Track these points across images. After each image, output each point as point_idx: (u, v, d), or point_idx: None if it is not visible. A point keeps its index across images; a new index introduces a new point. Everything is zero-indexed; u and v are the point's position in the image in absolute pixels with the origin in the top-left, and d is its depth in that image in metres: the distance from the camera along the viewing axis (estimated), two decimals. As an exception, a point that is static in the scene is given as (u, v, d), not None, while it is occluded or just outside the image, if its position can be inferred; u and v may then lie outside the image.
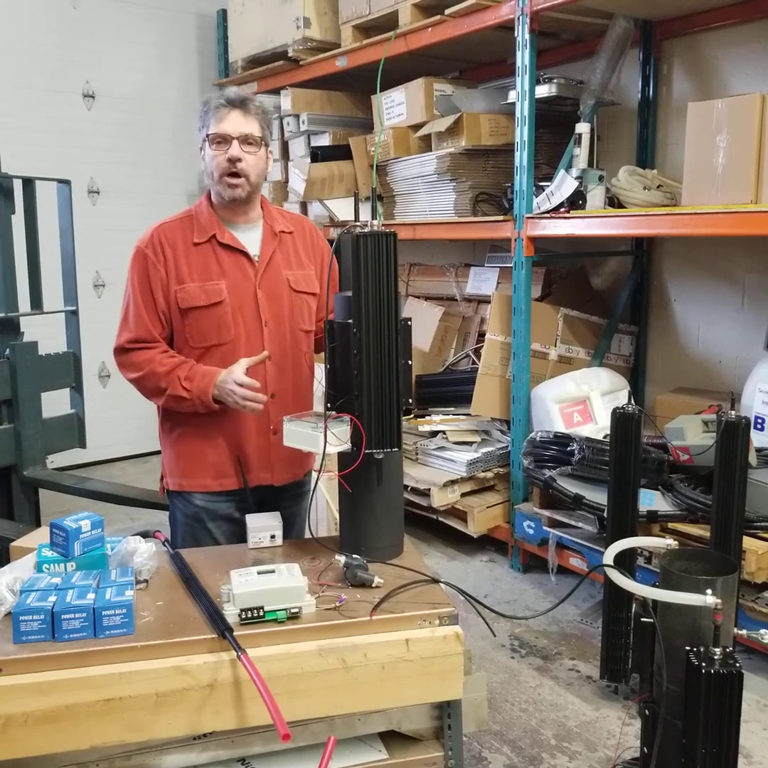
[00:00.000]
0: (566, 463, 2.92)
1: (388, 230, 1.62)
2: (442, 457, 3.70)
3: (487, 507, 3.65)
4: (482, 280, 4.19)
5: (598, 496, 2.82)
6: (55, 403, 3.53)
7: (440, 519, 3.77)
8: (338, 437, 1.65)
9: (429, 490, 3.59)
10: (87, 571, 1.62)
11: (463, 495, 3.67)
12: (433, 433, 3.82)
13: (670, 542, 1.82)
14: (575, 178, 3.30)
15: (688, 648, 1.61)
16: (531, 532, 3.40)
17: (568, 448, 2.88)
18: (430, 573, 1.73)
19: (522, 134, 3.35)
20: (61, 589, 1.53)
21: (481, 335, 4.14)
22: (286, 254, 2.06)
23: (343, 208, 4.20)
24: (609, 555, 1.73)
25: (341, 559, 1.65)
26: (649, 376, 3.97)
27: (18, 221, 3.30)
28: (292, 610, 1.53)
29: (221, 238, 1.99)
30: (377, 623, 1.53)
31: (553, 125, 3.78)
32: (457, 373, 4.04)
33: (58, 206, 3.39)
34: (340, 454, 1.70)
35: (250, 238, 2.04)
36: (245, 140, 1.93)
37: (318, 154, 4.30)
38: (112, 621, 1.48)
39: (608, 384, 3.45)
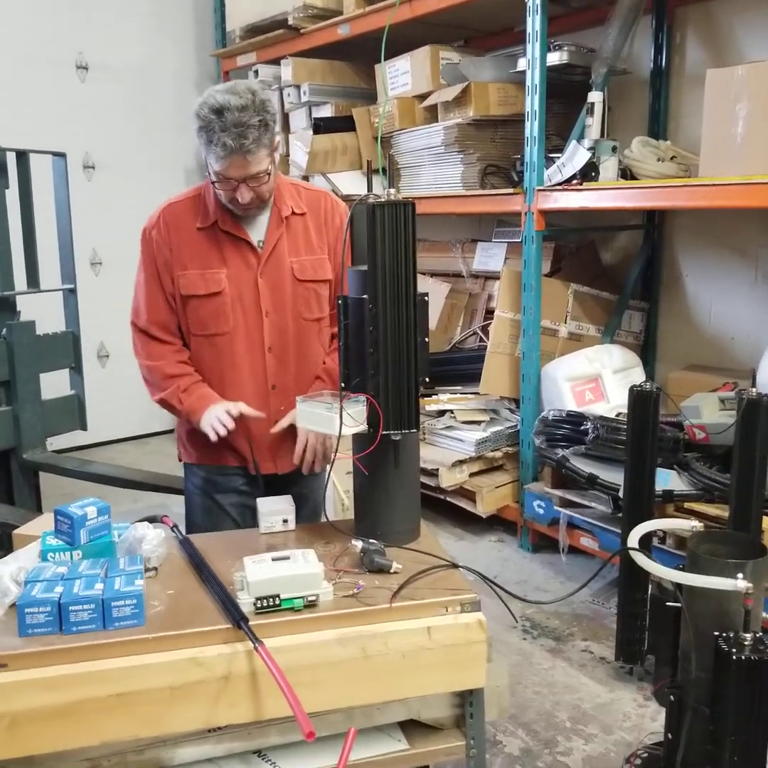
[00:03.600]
0: (579, 443, 2.86)
1: (405, 199, 1.54)
2: (450, 437, 3.64)
3: (496, 487, 3.60)
4: (489, 256, 4.10)
5: (613, 476, 2.77)
6: (53, 384, 3.45)
7: (448, 499, 3.72)
8: (354, 418, 1.58)
9: (437, 470, 3.53)
10: (94, 559, 1.55)
11: (471, 475, 3.61)
12: (441, 413, 3.76)
13: (696, 524, 1.76)
14: (588, 150, 3.21)
15: (716, 633, 1.56)
16: (541, 511, 3.35)
17: (582, 427, 2.82)
18: (448, 557, 1.67)
19: (533, 103, 3.25)
20: (68, 579, 1.46)
21: (489, 312, 4.07)
22: (294, 239, 1.95)
23: (346, 182, 4.10)
24: (633, 538, 1.67)
25: (358, 544, 1.59)
26: (660, 354, 3.89)
27: (13, 196, 3.20)
28: (310, 598, 1.47)
29: (223, 224, 1.91)
30: (397, 610, 1.47)
31: (562, 95, 3.66)
32: (464, 352, 3.98)
33: (53, 180, 3.29)
34: (355, 436, 1.63)
35: (257, 223, 1.94)
36: (253, 178, 1.81)
37: (320, 126, 4.19)
38: (122, 612, 1.41)
39: (620, 361, 3.38)
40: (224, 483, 2.04)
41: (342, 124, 4.21)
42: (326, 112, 4.27)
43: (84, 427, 3.57)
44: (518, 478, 3.59)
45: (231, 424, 1.86)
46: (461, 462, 3.56)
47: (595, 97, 3.30)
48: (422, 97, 3.87)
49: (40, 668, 1.33)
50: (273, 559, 1.51)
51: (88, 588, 1.42)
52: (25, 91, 4.63)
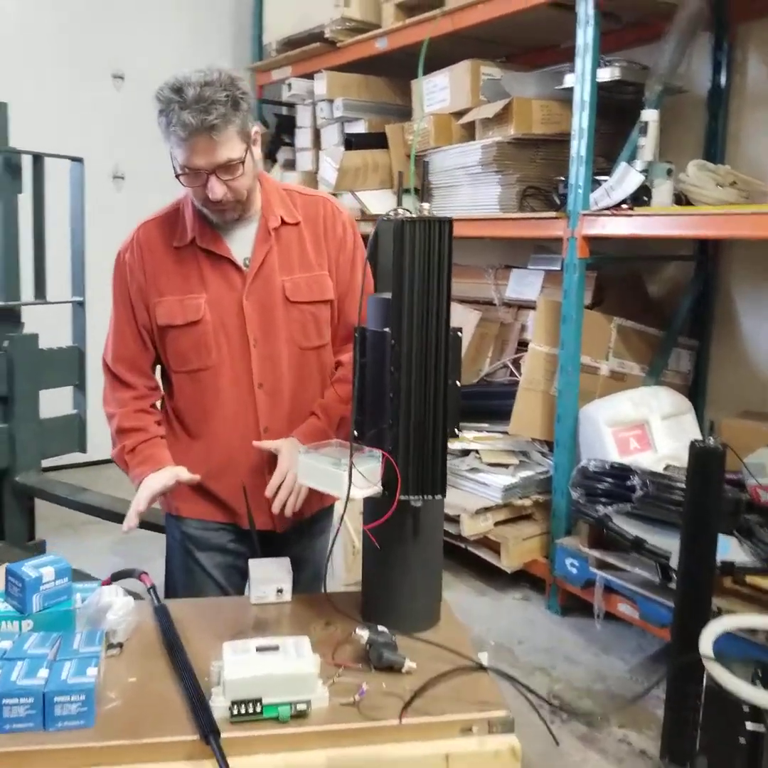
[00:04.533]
0: (623, 499, 2.54)
1: (441, 216, 1.26)
2: (474, 480, 3.32)
3: (524, 539, 3.27)
4: (525, 284, 3.81)
5: (662, 540, 2.44)
6: (54, 402, 3.22)
7: (470, 549, 3.39)
8: (366, 478, 1.29)
9: (459, 516, 3.22)
10: (46, 633, 1.28)
11: (496, 524, 3.29)
12: (465, 452, 3.45)
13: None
14: (640, 172, 2.93)
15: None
16: (574, 571, 3.01)
17: (628, 483, 2.50)
18: (474, 654, 1.37)
19: (581, 121, 2.99)
20: (9, 660, 1.20)
21: (521, 344, 3.78)
22: (286, 254, 1.67)
23: (376, 201, 3.85)
24: (707, 640, 1.36)
25: (363, 633, 1.29)
26: (710, 397, 3.55)
27: (26, 202, 3.00)
28: (299, 706, 1.17)
29: (201, 241, 1.63)
30: (408, 729, 1.16)
31: (610, 116, 3.39)
32: (493, 386, 3.67)
33: (69, 186, 3.08)
34: (367, 500, 1.34)
35: (242, 237, 1.65)
36: (224, 169, 1.51)
37: (352, 142, 3.96)
38: (67, 710, 1.14)
39: (670, 406, 3.05)
40: (208, 540, 1.74)
41: (374, 140, 3.97)
42: (359, 128, 4.05)
43: (83, 449, 3.35)
44: (549, 530, 3.26)
45: (134, 522, 1.57)
46: (486, 509, 3.24)
47: (649, 115, 3.02)
48: (460, 114, 3.62)
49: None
50: (257, 650, 1.22)
51: (29, 675, 1.16)
52: (57, 97, 4.48)
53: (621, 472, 2.58)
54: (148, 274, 1.64)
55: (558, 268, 3.67)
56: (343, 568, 3.38)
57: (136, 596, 1.52)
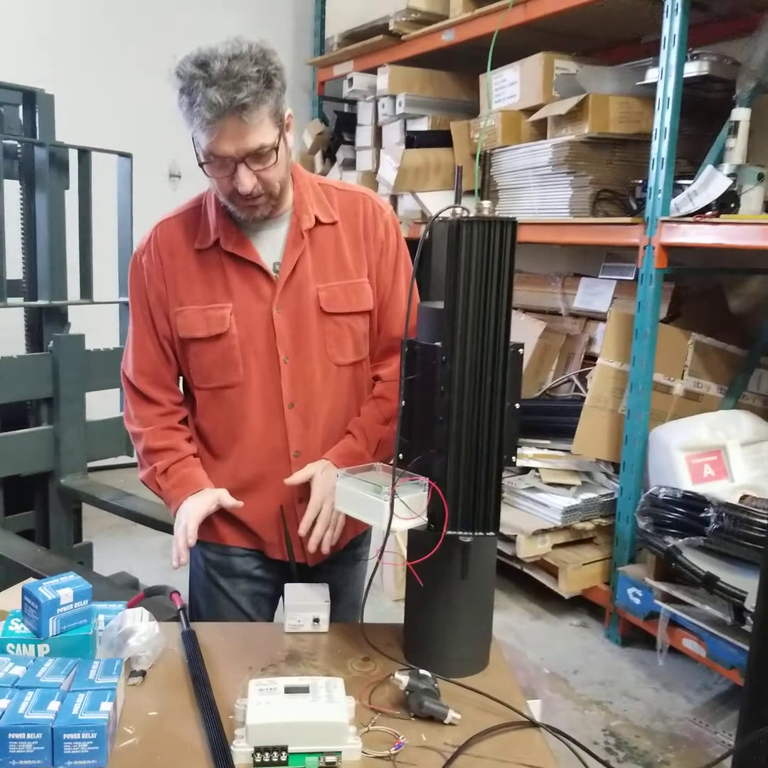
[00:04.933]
0: (695, 531, 2.32)
1: (504, 217, 1.10)
2: (532, 500, 3.14)
3: (583, 564, 3.07)
4: (594, 294, 3.60)
5: (737, 579, 2.23)
6: (101, 404, 3.17)
7: (525, 570, 3.21)
8: (410, 508, 1.14)
9: (515, 537, 3.04)
10: (62, 659, 1.19)
11: (555, 546, 3.10)
12: (524, 470, 3.27)
13: None
14: (727, 176, 2.71)
15: None
16: (637, 601, 2.81)
17: (701, 514, 2.28)
18: (525, 708, 1.21)
19: (663, 119, 2.78)
20: (21, 688, 1.11)
21: (588, 358, 3.57)
22: (321, 259, 1.47)
23: (438, 202, 3.68)
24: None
25: (403, 679, 1.15)
26: (794, 423, 3.28)
27: (73, 199, 2.94)
28: (328, 758, 1.05)
29: (226, 244, 1.44)
30: (447, 796, 1.02)
31: (694, 115, 3.16)
32: (556, 401, 3.48)
33: (117, 182, 3.00)
34: (411, 532, 1.19)
35: (272, 239, 1.46)
36: (255, 156, 1.32)
37: (414, 139, 3.80)
38: (77, 748, 1.04)
39: (750, 432, 2.81)
40: (232, 566, 1.59)
41: (438, 139, 3.81)
42: (422, 125, 3.89)
43: (130, 454, 3.26)
44: (611, 556, 3.06)
45: (185, 557, 1.40)
46: (544, 531, 3.06)
47: (740, 114, 2.79)
48: (530, 111, 3.44)
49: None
50: (286, 690, 1.10)
51: (39, 708, 1.06)
52: (114, 92, 4.46)
53: (694, 502, 2.36)
54: (168, 280, 1.47)
55: (631, 278, 3.46)
56: (394, 582, 3.24)
57: (168, 611, 1.43)
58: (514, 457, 1.20)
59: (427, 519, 1.16)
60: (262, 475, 1.50)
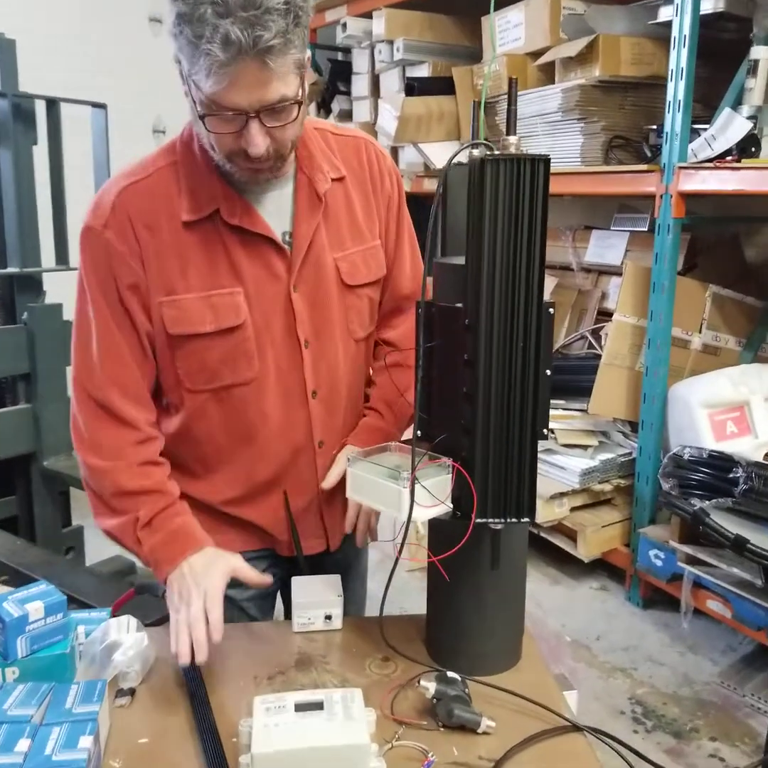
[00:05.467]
0: (723, 493, 2.22)
1: (536, 154, 0.97)
2: (549, 462, 3.03)
3: (602, 526, 2.98)
4: (606, 247, 3.44)
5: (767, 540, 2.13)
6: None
7: (543, 534, 3.13)
8: (433, 494, 1.03)
9: (531, 501, 2.95)
10: (34, 684, 1.03)
11: (573, 509, 3.00)
12: (538, 431, 3.16)
13: None
14: (747, 118, 2.54)
15: None
16: (659, 564, 2.72)
17: (730, 475, 2.18)
18: (561, 701, 1.11)
19: (679, 59, 2.61)
20: (-15, 723, 0.95)
21: (601, 313, 3.43)
22: (335, 223, 1.27)
23: (441, 154, 3.50)
24: None
25: (429, 686, 1.04)
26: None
27: (43, 155, 2.69)
28: (350, 786, 0.93)
29: (229, 215, 1.18)
30: (487, 817, 0.92)
31: (707, 56, 2.97)
32: (570, 359, 3.34)
33: (92, 136, 2.74)
34: (433, 520, 1.07)
35: (277, 203, 1.23)
36: (270, 112, 1.07)
37: (414, 87, 3.58)
38: (53, 797, 0.90)
39: (775, 386, 2.70)
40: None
41: (439, 86, 3.59)
42: (422, 72, 3.67)
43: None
44: (630, 516, 2.97)
45: (205, 654, 1.09)
46: (562, 494, 2.96)
47: (760, 52, 2.60)
48: (537, 54, 3.24)
49: None
50: (297, 708, 0.98)
51: (5, 750, 0.91)
52: (91, 42, 4.14)
53: (721, 462, 2.26)
54: (148, 262, 1.18)
55: (645, 229, 3.31)
56: (406, 551, 3.15)
57: (160, 608, 1.30)
58: (545, 430, 1.08)
59: (451, 505, 1.05)
60: (280, 475, 1.31)
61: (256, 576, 1.20)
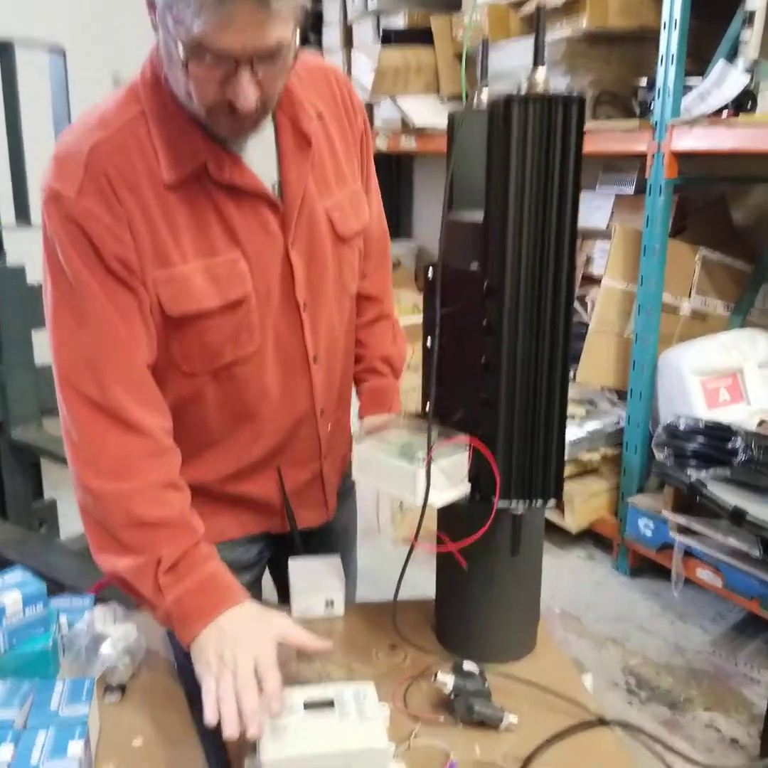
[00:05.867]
0: (720, 463, 2.16)
1: (568, 94, 0.85)
2: (534, 432, 2.96)
3: (590, 496, 2.93)
4: (591, 209, 3.33)
5: (766, 511, 2.08)
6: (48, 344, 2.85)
7: (528, 505, 3.07)
8: (449, 475, 0.92)
9: (517, 472, 2.88)
10: (14, 682, 0.94)
11: (559, 480, 2.95)
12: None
13: None
14: (743, 72, 2.44)
15: None
16: (648, 533, 2.68)
17: (727, 445, 2.12)
18: (583, 691, 1.04)
19: (672, 9, 2.49)
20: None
21: (587, 278, 3.34)
22: (320, 167, 1.13)
23: (420, 108, 3.35)
24: None
25: (447, 680, 0.96)
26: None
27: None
28: (366, 795, 0.85)
29: (218, 173, 1.03)
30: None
31: (701, 7, 2.86)
32: (554, 326, 3.26)
33: (51, 83, 2.54)
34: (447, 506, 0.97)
35: (260, 149, 1.08)
36: (263, 58, 0.93)
37: (391, 37, 3.41)
38: (43, 807, 0.82)
39: (767, 352, 2.64)
40: (237, 561, 1.25)
41: (417, 37, 3.42)
42: (398, 22, 3.50)
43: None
44: (618, 485, 2.92)
45: (258, 729, 0.85)
46: (548, 464, 2.90)
47: (756, 2, 2.50)
48: (519, 4, 3.10)
49: None
50: (306, 706, 0.89)
51: None
52: None
53: (718, 432, 2.20)
54: (138, 229, 1.00)
55: (630, 190, 3.22)
56: (391, 524, 3.08)
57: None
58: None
59: (469, 487, 0.95)
60: (281, 447, 1.20)
61: (310, 641, 0.98)
